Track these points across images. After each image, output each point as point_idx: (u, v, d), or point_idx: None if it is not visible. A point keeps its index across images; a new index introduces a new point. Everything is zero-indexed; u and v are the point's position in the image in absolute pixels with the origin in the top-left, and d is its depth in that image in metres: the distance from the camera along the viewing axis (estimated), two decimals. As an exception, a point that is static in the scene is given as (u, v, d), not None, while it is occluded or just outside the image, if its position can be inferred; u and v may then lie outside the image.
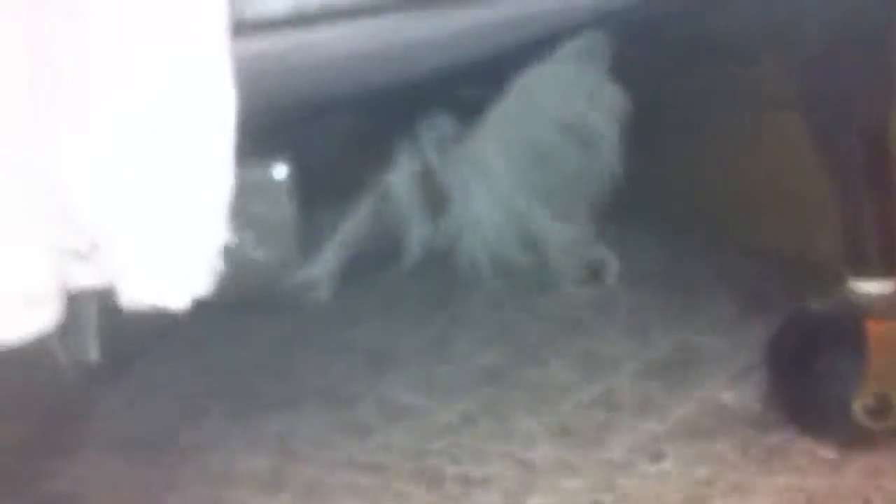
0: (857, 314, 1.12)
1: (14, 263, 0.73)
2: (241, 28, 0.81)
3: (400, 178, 2.25)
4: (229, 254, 2.10)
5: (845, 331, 1.11)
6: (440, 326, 1.71)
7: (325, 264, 1.85)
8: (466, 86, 2.11)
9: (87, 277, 0.83)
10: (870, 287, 1.13)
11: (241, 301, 1.95)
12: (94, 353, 1.40)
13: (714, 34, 1.66)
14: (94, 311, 1.47)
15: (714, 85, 1.85)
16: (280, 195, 2.12)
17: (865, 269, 1.14)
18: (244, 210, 2.29)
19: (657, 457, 1.13)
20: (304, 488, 1.16)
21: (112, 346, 1.45)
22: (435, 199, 2.05)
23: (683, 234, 2.04)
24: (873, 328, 1.09)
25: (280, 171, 2.11)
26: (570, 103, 1.88)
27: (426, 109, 2.35)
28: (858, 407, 1.09)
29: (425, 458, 1.20)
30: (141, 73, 0.74)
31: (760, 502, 1.00)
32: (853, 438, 1.09)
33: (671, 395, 1.29)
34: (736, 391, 1.28)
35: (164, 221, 0.76)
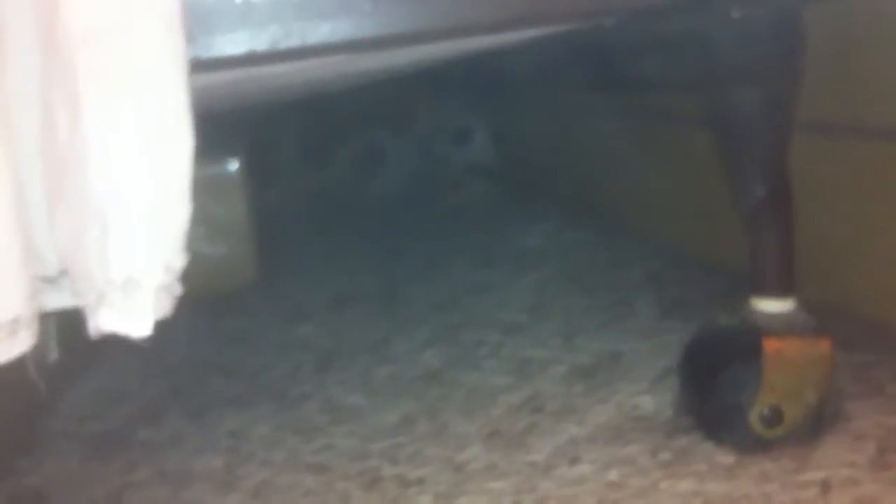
0: (755, 331, 1.23)
1: (1, 294, 0.81)
2: (198, 66, 0.90)
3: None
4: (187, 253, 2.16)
5: (745, 346, 1.23)
6: (384, 327, 1.82)
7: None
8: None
9: (57, 301, 0.92)
10: (768, 306, 1.25)
11: (194, 297, 2.04)
12: (53, 354, 1.49)
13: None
14: (53, 315, 1.55)
15: (657, 106, 1.97)
16: (233, 190, 2.21)
17: (765, 290, 1.26)
18: (196, 206, 2.38)
19: (575, 460, 1.24)
20: (254, 489, 1.26)
21: (71, 348, 1.54)
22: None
23: (620, 236, 2.17)
24: (769, 345, 1.21)
25: (232, 166, 2.20)
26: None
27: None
28: (754, 416, 1.21)
29: (366, 459, 1.30)
30: (112, 115, 0.81)
31: (662, 505, 1.12)
32: (749, 445, 1.21)
33: (592, 400, 1.41)
34: (652, 396, 1.40)
35: (124, 254, 0.84)
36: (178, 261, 0.88)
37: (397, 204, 2.83)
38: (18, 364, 1.30)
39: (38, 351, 1.37)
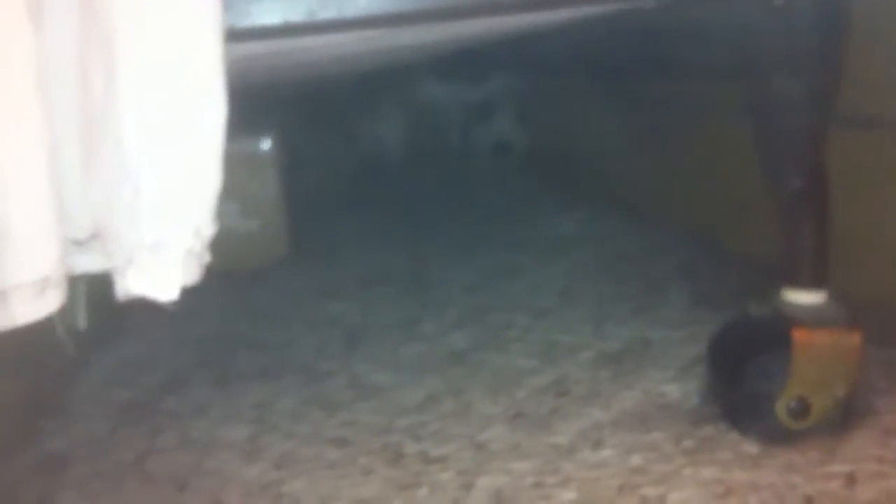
0: (785, 322, 1.22)
1: (33, 254, 0.81)
2: (234, 35, 0.90)
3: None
4: (219, 228, 2.18)
5: (774, 337, 1.22)
6: (413, 307, 1.82)
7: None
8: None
9: (86, 264, 0.93)
10: (799, 297, 1.24)
11: (227, 272, 2.06)
12: (83, 322, 1.51)
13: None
14: (83, 283, 1.57)
15: (693, 94, 1.95)
16: (265, 167, 2.22)
17: (797, 281, 1.24)
18: (229, 182, 2.39)
19: (598, 444, 1.24)
20: (276, 459, 1.26)
21: (100, 316, 1.56)
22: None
23: (653, 225, 2.15)
24: (798, 336, 1.20)
25: (265, 143, 2.21)
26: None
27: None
28: (781, 407, 1.20)
29: (389, 435, 1.31)
30: (148, 76, 0.82)
31: (685, 492, 1.11)
32: (774, 436, 1.20)
33: (618, 386, 1.40)
34: (678, 384, 1.39)
35: (155, 216, 0.84)
36: (208, 227, 0.89)
37: (428, 186, 2.83)
38: (48, 325, 1.31)
39: (67, 316, 1.38)
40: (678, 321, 1.60)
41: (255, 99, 2.08)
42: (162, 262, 0.84)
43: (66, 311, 1.43)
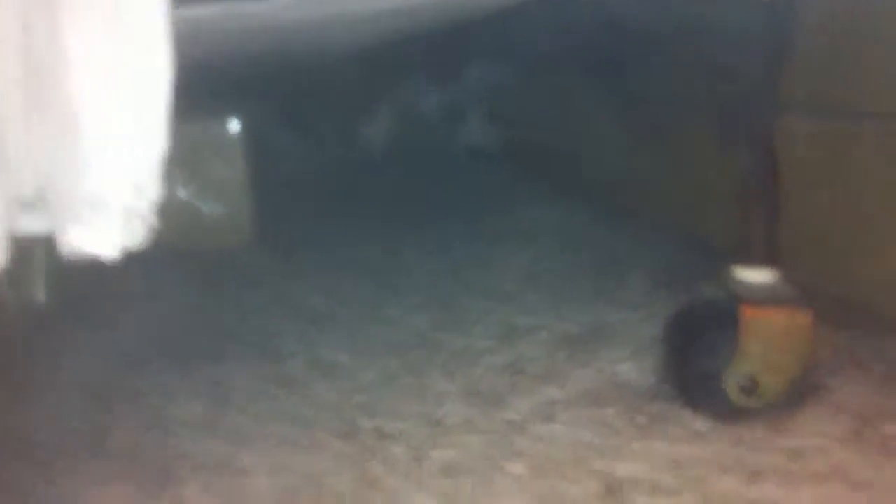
0: (735, 300, 1.23)
1: None
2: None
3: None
4: (182, 208, 2.18)
5: (724, 315, 1.23)
6: (378, 293, 1.82)
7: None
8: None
9: (31, 225, 0.93)
10: (750, 276, 1.25)
11: (192, 253, 2.05)
12: (41, 296, 1.51)
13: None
14: (42, 257, 1.57)
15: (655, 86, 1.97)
16: (231, 150, 2.21)
17: (748, 260, 1.26)
18: (196, 165, 2.37)
19: (550, 419, 1.25)
20: (231, 434, 1.26)
21: (59, 291, 1.55)
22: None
23: (618, 217, 2.16)
24: (747, 313, 1.21)
25: (232, 126, 2.20)
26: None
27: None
28: (731, 384, 1.21)
29: (345, 411, 1.31)
30: (93, 31, 0.82)
31: (633, 465, 1.12)
32: (725, 413, 1.21)
33: (574, 365, 1.41)
34: (634, 363, 1.40)
35: (96, 169, 0.84)
36: (151, 188, 0.89)
37: (404, 183, 2.82)
38: (3, 305, 1.29)
39: (24, 288, 1.37)
40: (637, 304, 1.61)
41: (228, 84, 2.09)
42: (103, 219, 0.85)
43: (22, 283, 1.42)
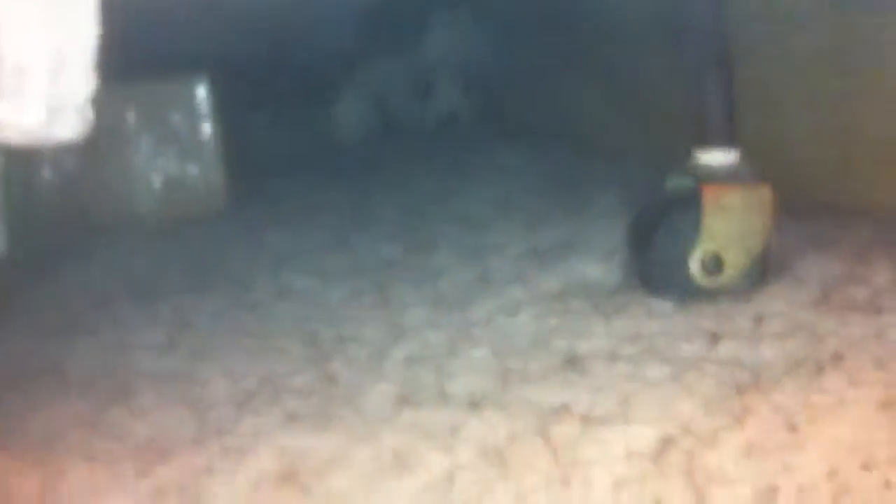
0: (696, 181, 1.21)
1: None
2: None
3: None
4: (151, 168, 2.16)
5: (685, 197, 1.21)
6: (345, 228, 1.80)
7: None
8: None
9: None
10: (710, 158, 1.23)
11: (162, 219, 2.03)
12: (1, 246, 1.49)
13: None
14: (2, 205, 1.55)
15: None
16: (200, 113, 2.18)
17: (708, 140, 1.24)
18: (166, 124, 2.34)
19: (515, 313, 1.22)
20: (192, 353, 1.24)
21: (25, 245, 1.54)
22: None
23: (588, 156, 2.14)
24: (708, 191, 1.19)
25: (200, 88, 2.17)
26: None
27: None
28: (695, 264, 1.19)
29: (308, 324, 1.29)
30: None
31: (593, 341, 1.10)
32: (689, 293, 1.19)
33: (541, 272, 1.39)
34: (601, 266, 1.38)
35: (17, 34, 0.82)
36: (87, 85, 0.88)
37: (373, 147, 2.80)
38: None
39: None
40: (605, 217, 1.59)
41: (197, 47, 2.07)
42: (25, 86, 0.83)
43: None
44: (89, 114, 0.91)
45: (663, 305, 1.18)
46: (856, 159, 1.43)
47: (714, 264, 1.19)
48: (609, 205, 1.67)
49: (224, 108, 2.11)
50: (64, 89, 0.88)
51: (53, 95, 0.86)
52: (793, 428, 0.85)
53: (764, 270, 1.21)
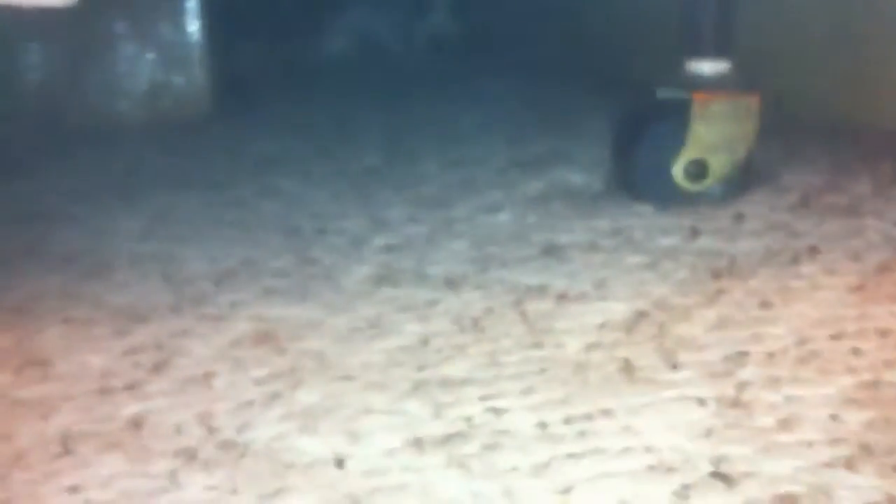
0: (687, 90, 1.21)
1: None
2: None
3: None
4: (138, 75, 2.14)
5: (675, 104, 1.21)
6: (330, 139, 1.80)
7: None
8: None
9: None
10: (702, 67, 1.23)
11: (152, 123, 2.02)
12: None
13: None
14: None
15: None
16: (188, 20, 2.17)
17: (699, 50, 1.24)
18: (152, 32, 2.32)
19: (494, 212, 1.23)
20: (171, 239, 1.24)
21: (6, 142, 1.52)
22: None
23: (575, 85, 2.13)
24: (698, 98, 1.19)
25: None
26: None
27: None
28: (678, 169, 1.20)
29: (289, 219, 1.29)
30: None
31: (572, 234, 1.10)
32: (672, 198, 1.19)
33: (525, 178, 1.39)
34: (585, 174, 1.38)
35: None
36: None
37: (361, 72, 2.78)
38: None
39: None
40: (590, 130, 1.59)
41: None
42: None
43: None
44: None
45: (645, 208, 1.19)
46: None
47: (698, 170, 1.19)
48: (595, 128, 1.67)
49: (217, 37, 2.10)
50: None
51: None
52: (766, 305, 0.86)
53: (747, 178, 1.21)
